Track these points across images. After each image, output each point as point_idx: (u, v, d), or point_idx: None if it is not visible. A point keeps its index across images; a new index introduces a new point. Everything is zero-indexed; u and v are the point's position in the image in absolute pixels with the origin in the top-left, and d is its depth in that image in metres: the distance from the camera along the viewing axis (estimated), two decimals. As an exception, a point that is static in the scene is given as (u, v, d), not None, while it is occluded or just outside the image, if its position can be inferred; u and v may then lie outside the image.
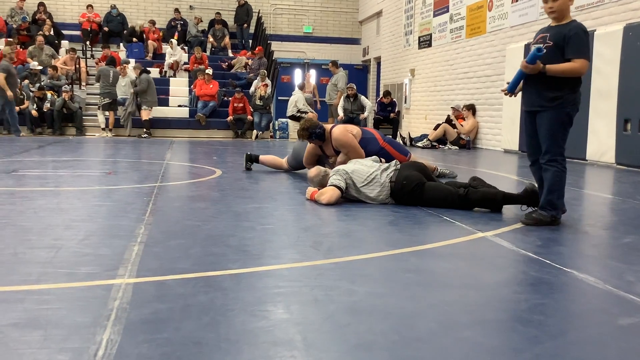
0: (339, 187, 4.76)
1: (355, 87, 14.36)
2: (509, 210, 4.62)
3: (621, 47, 8.46)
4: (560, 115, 4.00)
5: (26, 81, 14.45)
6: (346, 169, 4.90)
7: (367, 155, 5.65)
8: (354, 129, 6.09)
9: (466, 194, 4.58)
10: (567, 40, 3.90)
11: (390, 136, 14.85)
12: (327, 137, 6.01)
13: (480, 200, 4.58)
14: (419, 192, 4.70)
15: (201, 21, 18.71)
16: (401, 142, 14.88)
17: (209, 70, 15.55)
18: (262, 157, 7.36)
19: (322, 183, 5.18)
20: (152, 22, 17.94)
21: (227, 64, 17.26)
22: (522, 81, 4.13)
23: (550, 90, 3.98)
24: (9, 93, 12.77)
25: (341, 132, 5.93)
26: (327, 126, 6.13)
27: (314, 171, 5.35)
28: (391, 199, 4.82)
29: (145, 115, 14.29)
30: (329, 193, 4.74)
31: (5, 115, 13.18)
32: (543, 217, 4.06)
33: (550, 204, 4.06)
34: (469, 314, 2.30)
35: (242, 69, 17.16)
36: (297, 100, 15.01)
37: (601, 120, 8.90)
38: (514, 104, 11.13)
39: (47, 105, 13.88)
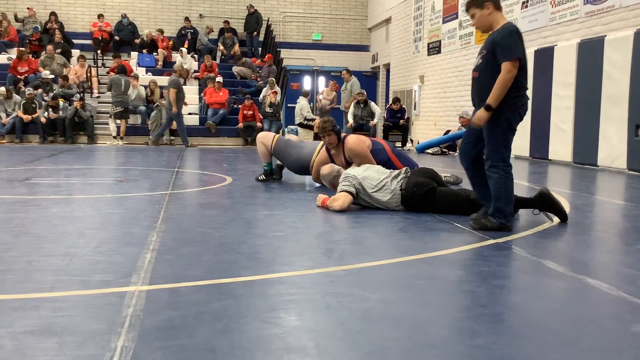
0: (350, 193, 4.77)
1: (365, 93, 14.40)
2: (521, 217, 4.60)
3: (632, 53, 8.43)
4: (498, 121, 3.93)
5: (39, 90, 14.60)
6: (356, 175, 4.90)
7: None
8: (367, 140, 6.08)
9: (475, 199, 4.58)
10: (495, 46, 3.92)
11: (400, 143, 14.92)
12: (341, 145, 6.01)
13: None
14: (430, 197, 4.69)
15: (212, 31, 18.82)
16: (411, 145, 14.90)
17: (219, 78, 15.63)
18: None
19: (333, 183, 5.18)
20: (161, 31, 18.08)
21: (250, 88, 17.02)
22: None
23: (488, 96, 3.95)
24: (174, 109, 13.34)
25: (355, 142, 5.92)
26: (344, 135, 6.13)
27: (327, 168, 5.35)
28: (402, 206, 4.82)
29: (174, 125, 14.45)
30: (342, 199, 4.74)
31: (166, 127, 13.89)
32: (491, 223, 4.04)
33: (498, 211, 4.03)
34: (482, 321, 2.29)
35: (247, 73, 17.20)
36: (302, 108, 15.08)
37: (612, 126, 8.86)
38: (524, 110, 11.10)
39: (58, 113, 14.01)
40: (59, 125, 14.11)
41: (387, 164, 5.77)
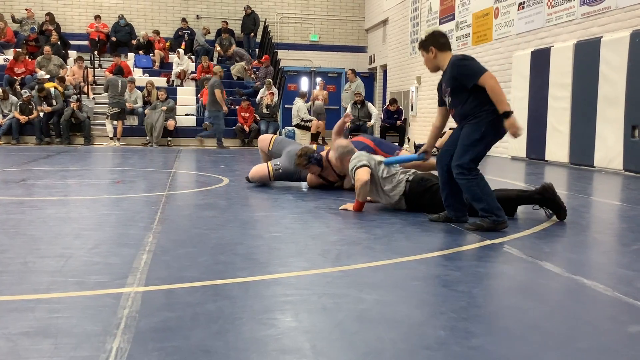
0: (367, 166, 4.77)
1: (362, 94, 14.41)
2: (517, 218, 4.61)
3: (628, 54, 8.45)
4: (474, 130, 4.05)
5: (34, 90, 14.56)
6: (373, 157, 4.95)
7: None
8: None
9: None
10: (457, 79, 4.07)
11: (397, 144, 14.93)
12: (326, 164, 5.94)
13: None
14: (433, 192, 4.68)
15: (209, 32, 18.82)
16: (407, 146, 14.90)
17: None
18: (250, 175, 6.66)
19: (342, 157, 5.19)
20: (156, 32, 18.08)
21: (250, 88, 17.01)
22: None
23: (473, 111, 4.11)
24: (225, 109, 13.91)
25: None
26: (323, 153, 6.00)
27: (344, 142, 5.37)
28: (403, 200, 4.81)
29: (171, 125, 14.52)
30: (361, 174, 4.74)
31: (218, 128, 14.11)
32: (485, 223, 4.06)
33: (484, 211, 4.06)
34: (478, 322, 2.29)
35: (243, 74, 17.19)
36: (298, 110, 15.11)
37: (609, 127, 8.88)
38: (522, 111, 11.12)
39: (52, 103, 14.03)
40: (54, 126, 14.06)
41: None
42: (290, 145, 6.56)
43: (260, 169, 6.43)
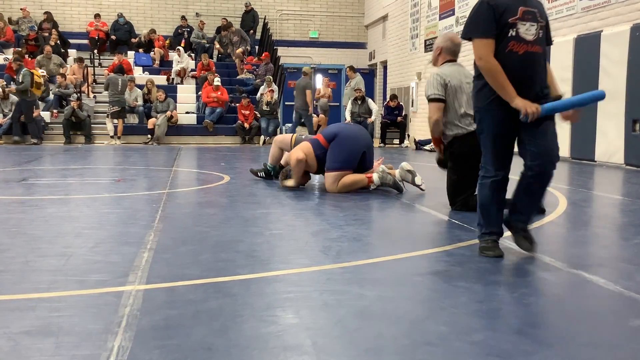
0: (440, 100, 4.64)
1: (363, 90, 14.40)
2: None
3: (629, 48, 8.43)
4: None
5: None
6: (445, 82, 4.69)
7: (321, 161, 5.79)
8: (305, 147, 5.89)
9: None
10: (548, 22, 3.24)
11: (398, 141, 14.93)
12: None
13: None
14: (454, 157, 4.63)
15: (204, 24, 18.76)
16: (408, 142, 14.90)
17: (217, 80, 15.47)
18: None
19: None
20: (153, 31, 18.07)
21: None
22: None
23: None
24: (311, 110, 14.01)
25: (292, 155, 5.87)
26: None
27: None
28: (447, 155, 4.77)
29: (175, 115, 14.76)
30: (433, 109, 4.63)
31: (295, 126, 14.22)
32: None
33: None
34: (480, 318, 2.29)
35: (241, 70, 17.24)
36: None
37: (609, 121, 8.87)
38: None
39: (48, 86, 14.08)
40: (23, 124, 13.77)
41: (323, 153, 5.78)
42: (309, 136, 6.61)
43: (284, 136, 6.67)
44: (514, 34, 3.07)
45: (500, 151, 3.18)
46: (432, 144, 5.44)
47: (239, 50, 17.50)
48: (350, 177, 5.70)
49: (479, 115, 3.23)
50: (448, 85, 4.63)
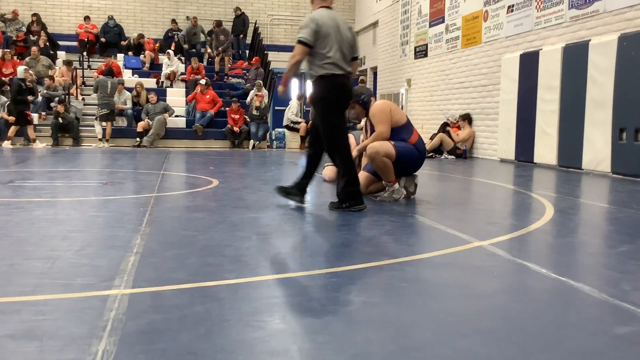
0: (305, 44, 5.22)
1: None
2: (505, 220, 4.63)
3: (616, 57, 8.51)
4: None
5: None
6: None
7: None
8: (395, 109, 6.03)
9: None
10: None
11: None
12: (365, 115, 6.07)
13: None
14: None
15: (197, 19, 18.75)
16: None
17: (203, 81, 15.46)
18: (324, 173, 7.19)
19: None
20: (142, 36, 18.04)
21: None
22: None
23: None
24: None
25: (377, 107, 6.03)
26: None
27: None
28: None
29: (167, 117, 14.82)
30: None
31: None
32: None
33: None
34: (466, 324, 2.30)
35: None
36: (290, 109, 15.09)
37: (597, 130, 8.94)
38: (510, 113, 11.18)
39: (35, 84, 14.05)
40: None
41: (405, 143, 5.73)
42: None
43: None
44: None
45: None
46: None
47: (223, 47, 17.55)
48: (390, 166, 5.66)
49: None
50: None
